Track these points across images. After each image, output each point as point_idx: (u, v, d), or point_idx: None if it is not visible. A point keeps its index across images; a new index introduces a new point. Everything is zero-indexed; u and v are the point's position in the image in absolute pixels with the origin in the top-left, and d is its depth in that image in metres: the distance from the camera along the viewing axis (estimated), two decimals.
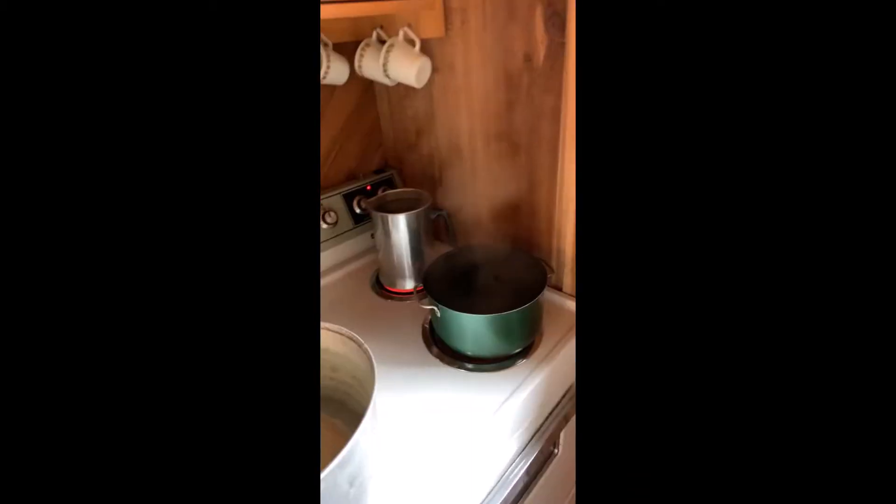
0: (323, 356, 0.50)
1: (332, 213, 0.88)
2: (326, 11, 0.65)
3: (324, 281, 0.86)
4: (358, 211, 0.91)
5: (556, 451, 0.79)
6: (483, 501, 0.58)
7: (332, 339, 0.48)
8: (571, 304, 0.75)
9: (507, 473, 0.61)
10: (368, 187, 0.93)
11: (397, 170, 0.98)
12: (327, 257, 0.88)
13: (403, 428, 0.56)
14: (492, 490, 0.59)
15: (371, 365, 0.42)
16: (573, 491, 0.97)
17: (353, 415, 0.51)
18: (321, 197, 0.88)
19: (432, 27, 0.71)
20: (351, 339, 0.47)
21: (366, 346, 0.45)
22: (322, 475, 0.32)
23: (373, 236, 0.86)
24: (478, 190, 0.83)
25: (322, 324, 0.49)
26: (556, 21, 0.58)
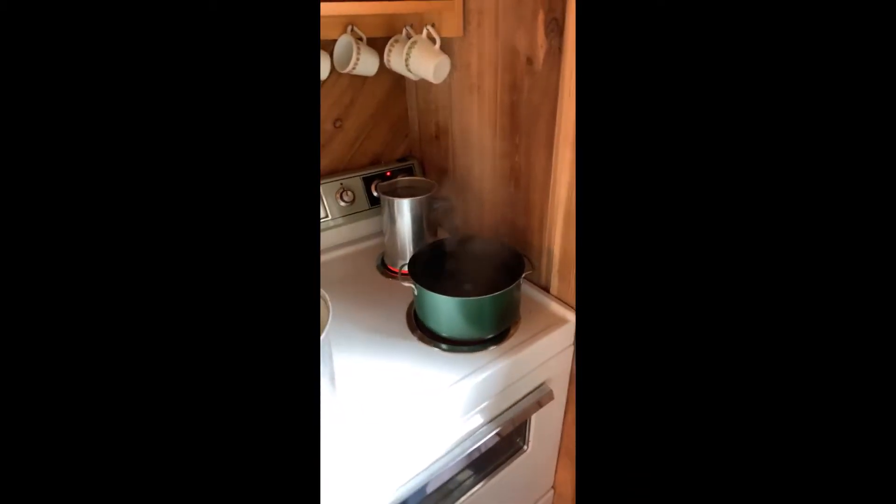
0: None
1: (350, 193, 0.95)
2: (360, 8, 0.72)
3: (334, 255, 0.94)
4: (375, 194, 0.98)
5: (525, 447, 0.81)
6: (422, 471, 0.62)
7: None
8: (556, 306, 0.76)
9: (453, 448, 0.64)
10: (388, 173, 1.00)
11: (419, 160, 1.04)
12: (340, 233, 0.96)
13: (358, 386, 0.61)
14: (435, 461, 0.63)
15: (328, 310, 0.48)
16: (550, 494, 0.98)
17: None
18: (343, 177, 0.95)
19: (452, 27, 0.76)
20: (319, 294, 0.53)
21: (328, 299, 0.51)
22: None
23: None
24: (482, 185, 0.87)
25: None
26: (554, 27, 0.60)
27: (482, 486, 0.75)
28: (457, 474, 0.71)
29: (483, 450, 0.67)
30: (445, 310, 0.66)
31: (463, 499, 0.73)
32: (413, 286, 0.68)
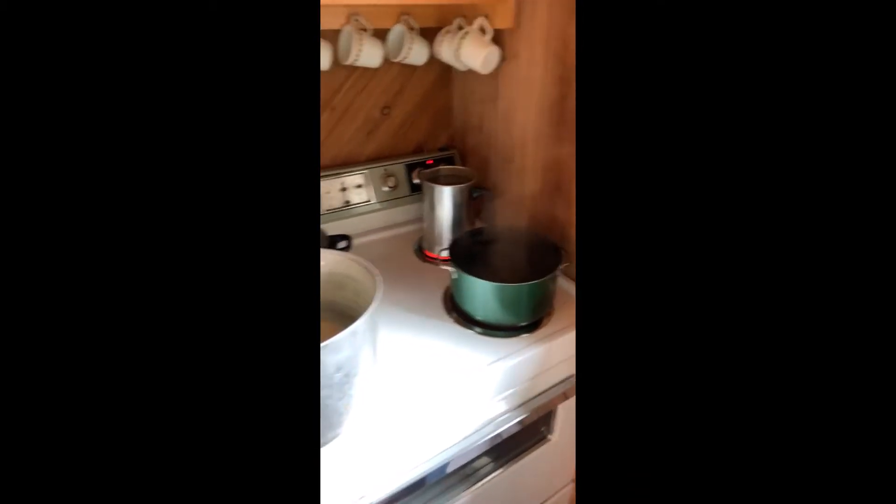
0: (345, 281, 0.60)
1: (393, 179, 0.98)
2: None
3: (374, 237, 0.97)
4: (416, 181, 1.00)
5: (549, 436, 0.83)
6: (445, 449, 0.64)
7: (356, 268, 0.58)
8: None
9: (479, 430, 0.66)
10: (430, 161, 1.02)
11: (460, 150, 1.06)
12: (382, 217, 0.99)
13: (399, 357, 0.65)
14: (459, 442, 0.65)
15: (375, 283, 0.51)
16: (570, 487, 0.99)
17: None
18: (388, 163, 0.99)
19: (505, 18, 0.77)
20: (367, 268, 0.56)
21: (376, 273, 0.54)
22: None
23: None
24: (523, 176, 0.88)
25: (347, 255, 0.59)
26: None
27: (503, 470, 0.77)
28: (479, 456, 0.73)
29: (505, 435, 0.68)
30: (483, 294, 0.68)
31: (484, 481, 0.75)
32: (452, 269, 0.70)
